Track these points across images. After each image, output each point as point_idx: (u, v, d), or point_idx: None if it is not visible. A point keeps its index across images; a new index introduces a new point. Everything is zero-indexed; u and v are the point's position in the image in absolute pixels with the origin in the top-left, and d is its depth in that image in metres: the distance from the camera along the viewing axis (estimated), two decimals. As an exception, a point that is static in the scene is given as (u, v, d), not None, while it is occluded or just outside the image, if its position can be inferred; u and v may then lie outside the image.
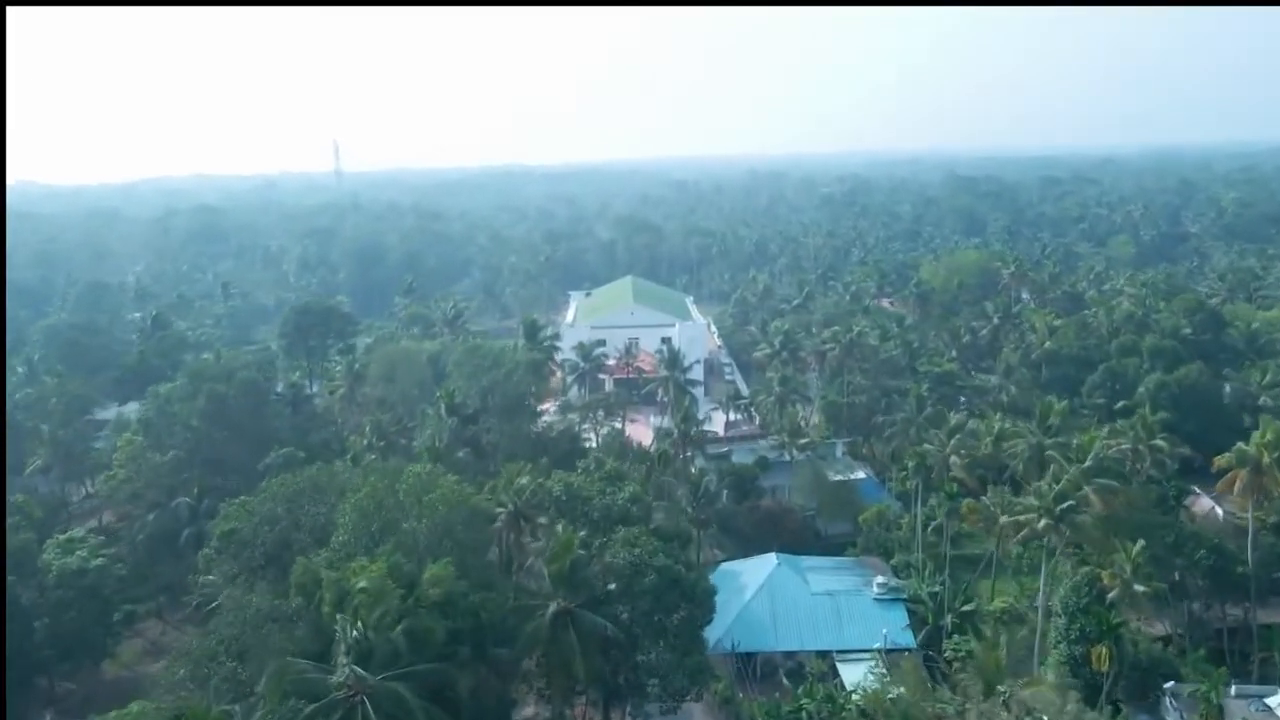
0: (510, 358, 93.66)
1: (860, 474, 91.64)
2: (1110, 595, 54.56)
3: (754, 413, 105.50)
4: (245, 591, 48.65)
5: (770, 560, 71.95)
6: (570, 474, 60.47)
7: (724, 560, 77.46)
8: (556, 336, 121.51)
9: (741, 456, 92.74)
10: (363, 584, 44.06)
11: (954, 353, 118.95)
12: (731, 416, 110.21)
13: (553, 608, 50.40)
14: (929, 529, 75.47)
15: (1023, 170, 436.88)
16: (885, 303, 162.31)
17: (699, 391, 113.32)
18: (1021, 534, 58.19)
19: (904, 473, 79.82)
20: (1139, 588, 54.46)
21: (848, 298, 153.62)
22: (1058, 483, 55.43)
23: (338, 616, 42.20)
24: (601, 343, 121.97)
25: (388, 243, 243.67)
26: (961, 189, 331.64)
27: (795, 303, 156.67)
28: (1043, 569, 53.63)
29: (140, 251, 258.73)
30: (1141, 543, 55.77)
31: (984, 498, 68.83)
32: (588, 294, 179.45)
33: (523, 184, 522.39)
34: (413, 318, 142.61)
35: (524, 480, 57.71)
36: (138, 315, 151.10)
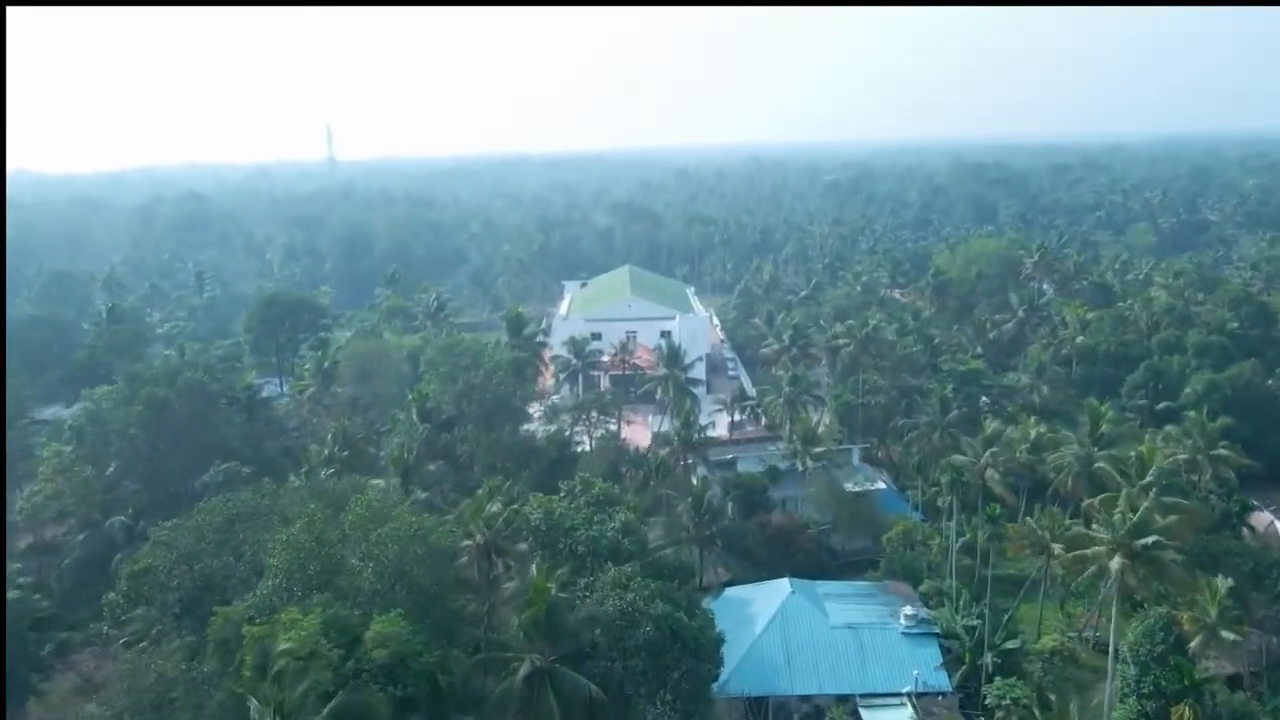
0: (492, 356, 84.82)
1: (880, 484, 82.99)
2: (1192, 645, 45.70)
3: (762, 414, 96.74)
4: (149, 650, 39.89)
5: (783, 587, 63.38)
6: (552, 498, 51.54)
7: (730, 583, 69.01)
8: (547, 330, 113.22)
9: (748, 464, 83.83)
10: (285, 646, 35.60)
11: (979, 349, 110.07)
12: (736, 417, 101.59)
13: (526, 665, 41.94)
14: (958, 544, 66.78)
15: (1030, 158, 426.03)
16: (896, 294, 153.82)
17: (701, 390, 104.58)
18: (1088, 572, 49.13)
19: (935, 487, 71.06)
20: (1226, 634, 45.61)
21: (859, 288, 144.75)
22: (1134, 511, 46.18)
23: (251, 700, 33.63)
24: (596, 337, 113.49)
25: (376, 231, 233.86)
26: (970, 176, 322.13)
27: (803, 294, 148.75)
28: (1114, 616, 44.57)
29: (121, 241, 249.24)
30: (1230, 581, 46.89)
31: (1029, 520, 59.96)
32: (583, 284, 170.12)
33: (520, 172, 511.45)
34: (393, 310, 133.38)
35: (496, 507, 48.78)
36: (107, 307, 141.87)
